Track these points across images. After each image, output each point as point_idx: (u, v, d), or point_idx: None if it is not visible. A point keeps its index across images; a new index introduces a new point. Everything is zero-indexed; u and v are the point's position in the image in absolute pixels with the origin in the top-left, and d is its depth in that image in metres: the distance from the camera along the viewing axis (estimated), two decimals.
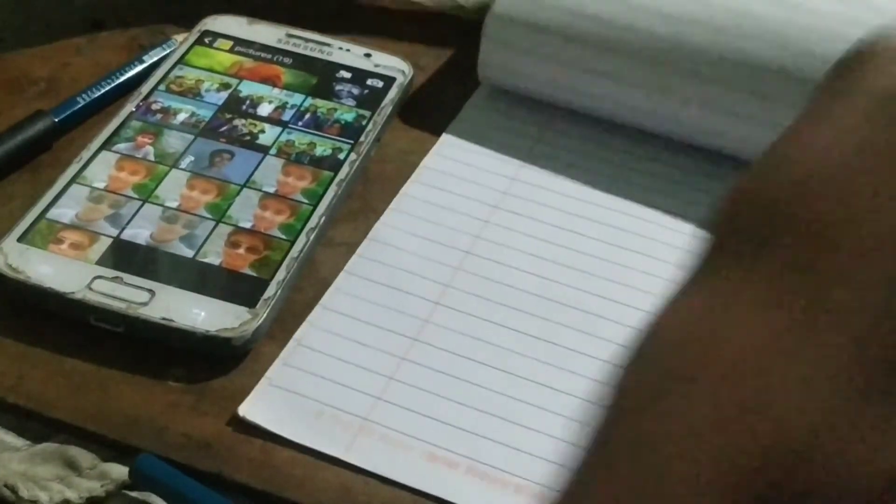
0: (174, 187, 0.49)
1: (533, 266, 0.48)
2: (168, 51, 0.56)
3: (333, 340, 0.45)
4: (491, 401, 0.44)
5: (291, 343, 0.45)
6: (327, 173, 0.51)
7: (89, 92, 0.54)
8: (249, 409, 0.43)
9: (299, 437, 0.42)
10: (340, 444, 0.42)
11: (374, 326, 0.46)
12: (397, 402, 0.44)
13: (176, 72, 0.55)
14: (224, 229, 0.48)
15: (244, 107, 0.53)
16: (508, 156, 0.53)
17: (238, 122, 0.53)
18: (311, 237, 0.48)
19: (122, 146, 0.51)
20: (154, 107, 0.53)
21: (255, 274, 0.46)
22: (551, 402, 0.44)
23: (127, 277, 0.45)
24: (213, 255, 0.46)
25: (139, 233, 0.47)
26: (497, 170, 0.53)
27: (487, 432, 0.43)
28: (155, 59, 0.56)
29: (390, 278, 0.48)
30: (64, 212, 0.48)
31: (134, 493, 0.40)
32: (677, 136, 0.54)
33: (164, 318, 0.44)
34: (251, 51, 0.56)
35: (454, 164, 0.53)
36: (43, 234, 0.47)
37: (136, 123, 0.52)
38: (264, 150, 0.51)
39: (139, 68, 0.56)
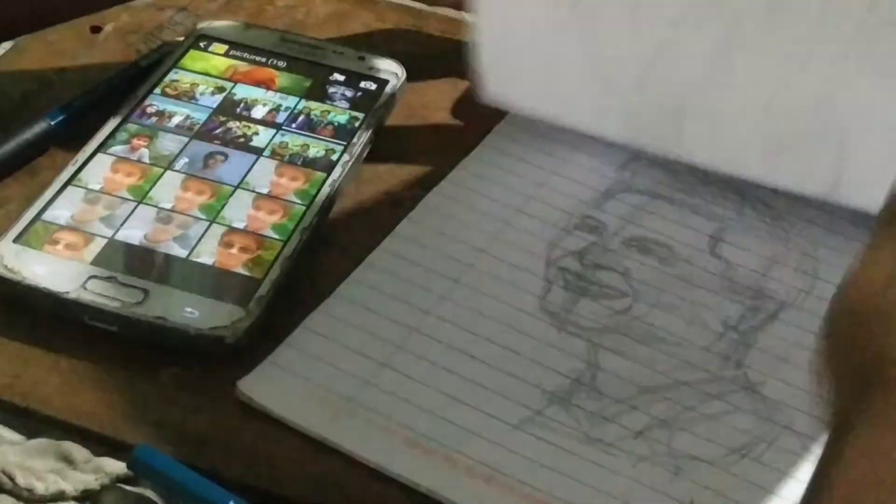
0: (169, 189, 0.50)
1: (530, 286, 0.49)
2: (164, 55, 0.57)
3: (337, 326, 0.46)
4: (477, 395, 0.44)
5: (299, 329, 0.46)
6: (320, 174, 0.51)
7: (86, 96, 0.55)
8: (248, 386, 0.43)
9: (288, 414, 0.43)
10: (323, 422, 0.43)
11: (378, 315, 0.47)
12: (386, 387, 0.44)
13: (171, 76, 0.55)
14: (218, 229, 0.48)
15: (238, 109, 0.54)
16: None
17: (232, 124, 0.53)
18: (304, 237, 0.48)
19: (117, 149, 0.51)
20: (149, 110, 0.53)
21: (248, 273, 0.46)
22: (530, 400, 0.44)
23: (121, 277, 0.46)
24: (207, 255, 0.47)
25: (134, 233, 0.48)
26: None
27: (471, 425, 0.43)
28: (150, 62, 0.57)
29: (406, 272, 0.49)
30: (60, 213, 0.48)
31: (128, 487, 0.40)
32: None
33: (157, 318, 0.44)
34: (246, 54, 0.57)
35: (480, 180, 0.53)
36: (39, 235, 0.47)
37: (131, 126, 0.53)
38: (258, 151, 0.52)
39: (135, 72, 0.56)
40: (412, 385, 0.44)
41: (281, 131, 0.53)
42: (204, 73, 0.56)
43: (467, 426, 0.43)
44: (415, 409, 0.44)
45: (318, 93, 0.55)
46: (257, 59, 0.57)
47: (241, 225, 0.48)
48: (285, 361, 0.45)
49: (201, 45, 0.57)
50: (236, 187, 0.50)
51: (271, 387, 0.44)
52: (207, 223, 0.48)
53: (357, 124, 0.54)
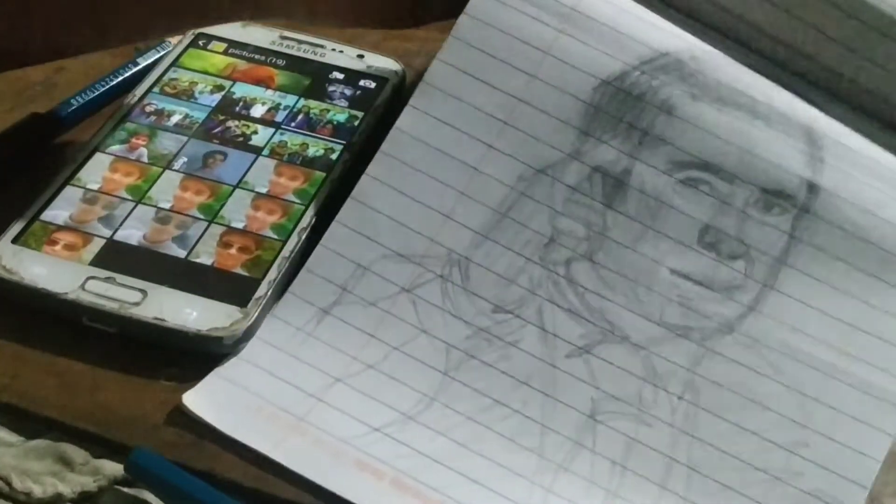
0: (167, 188, 0.50)
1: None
2: (162, 53, 0.57)
3: (289, 332, 0.45)
4: (429, 414, 0.43)
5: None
6: (319, 173, 0.51)
7: (84, 94, 0.55)
8: (193, 400, 0.43)
9: (233, 432, 0.42)
10: (270, 441, 0.42)
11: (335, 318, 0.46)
12: (337, 405, 0.43)
13: (170, 74, 0.55)
14: (216, 229, 0.48)
15: (237, 108, 0.54)
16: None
17: (231, 123, 0.53)
18: (303, 237, 0.48)
19: (116, 148, 0.51)
20: (148, 109, 0.53)
21: (246, 273, 0.46)
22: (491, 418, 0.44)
23: (120, 278, 0.46)
24: (206, 255, 0.47)
25: (132, 233, 0.48)
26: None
27: (420, 447, 0.42)
28: (149, 61, 0.57)
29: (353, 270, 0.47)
30: (58, 213, 0.48)
31: (126, 489, 0.40)
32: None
33: (156, 318, 0.44)
34: (245, 53, 0.57)
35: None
36: (37, 236, 0.47)
37: (130, 125, 0.52)
38: (257, 150, 0.52)
39: (134, 70, 0.56)
40: (367, 402, 0.43)
41: (280, 130, 0.53)
42: (203, 72, 0.56)
43: (416, 447, 0.42)
44: (368, 428, 0.43)
45: (317, 91, 0.55)
46: (256, 57, 0.57)
47: (239, 225, 0.48)
48: (234, 374, 0.44)
49: (200, 43, 0.57)
50: (235, 187, 0.50)
51: (219, 401, 0.43)
52: (206, 223, 0.48)
53: (356, 123, 0.54)
